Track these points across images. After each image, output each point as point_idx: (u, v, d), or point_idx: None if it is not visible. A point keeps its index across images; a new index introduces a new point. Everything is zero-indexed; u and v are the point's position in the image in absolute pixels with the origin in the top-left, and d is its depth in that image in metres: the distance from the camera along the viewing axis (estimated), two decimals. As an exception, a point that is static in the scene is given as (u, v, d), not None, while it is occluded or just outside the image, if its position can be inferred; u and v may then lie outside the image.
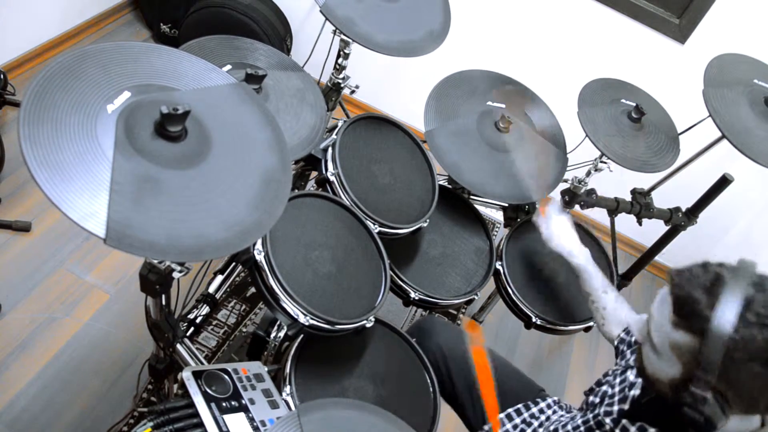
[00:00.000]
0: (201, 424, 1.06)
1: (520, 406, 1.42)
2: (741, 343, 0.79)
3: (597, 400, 1.17)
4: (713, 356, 0.80)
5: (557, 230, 1.57)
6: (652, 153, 1.71)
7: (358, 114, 1.63)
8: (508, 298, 1.68)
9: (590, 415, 1.14)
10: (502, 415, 1.41)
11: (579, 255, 1.51)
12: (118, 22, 2.88)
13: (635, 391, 1.08)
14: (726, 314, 0.80)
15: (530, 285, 1.69)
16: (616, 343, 1.35)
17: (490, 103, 1.74)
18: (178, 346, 1.32)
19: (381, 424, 0.96)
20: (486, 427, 1.40)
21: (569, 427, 1.18)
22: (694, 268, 0.87)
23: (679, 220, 1.95)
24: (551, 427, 1.26)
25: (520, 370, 1.54)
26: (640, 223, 1.86)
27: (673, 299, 0.86)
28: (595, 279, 1.46)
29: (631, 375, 1.13)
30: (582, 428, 1.14)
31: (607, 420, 1.07)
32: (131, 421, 1.71)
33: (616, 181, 1.85)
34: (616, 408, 1.09)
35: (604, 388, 1.17)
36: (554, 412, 1.41)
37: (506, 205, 1.88)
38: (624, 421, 1.02)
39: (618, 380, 1.15)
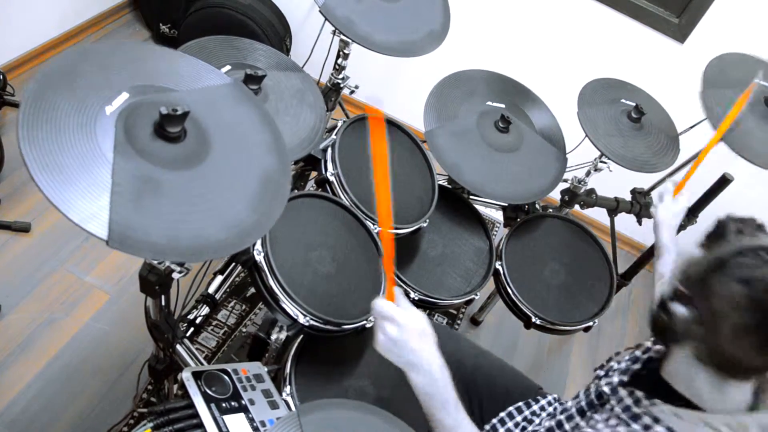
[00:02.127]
0: (201, 425, 1.06)
1: (520, 404, 1.42)
2: (741, 264, 0.83)
3: (602, 373, 1.18)
4: (709, 264, 0.85)
5: (666, 217, 1.49)
6: (652, 153, 1.71)
7: (358, 114, 1.63)
8: (507, 298, 1.68)
9: (593, 388, 1.15)
10: (502, 414, 1.41)
11: (665, 239, 1.46)
12: (118, 22, 2.87)
13: (637, 366, 1.10)
14: (743, 240, 0.86)
15: (530, 285, 1.69)
16: None
17: (490, 103, 1.74)
18: (178, 346, 1.33)
19: (381, 424, 0.96)
20: (487, 427, 1.40)
21: (570, 403, 1.19)
22: (746, 218, 0.93)
23: (679, 220, 1.95)
24: (554, 420, 1.27)
25: (517, 370, 1.54)
26: (640, 223, 1.86)
27: (713, 227, 0.93)
28: (663, 263, 1.42)
29: (638, 352, 1.14)
30: (584, 401, 1.15)
31: (606, 389, 1.09)
32: (131, 422, 1.71)
33: (616, 181, 1.85)
34: (616, 379, 1.10)
35: (612, 363, 1.19)
36: (555, 408, 1.41)
37: (506, 205, 1.88)
38: (619, 388, 1.04)
39: (627, 356, 1.16)
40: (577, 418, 1.14)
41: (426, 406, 1.04)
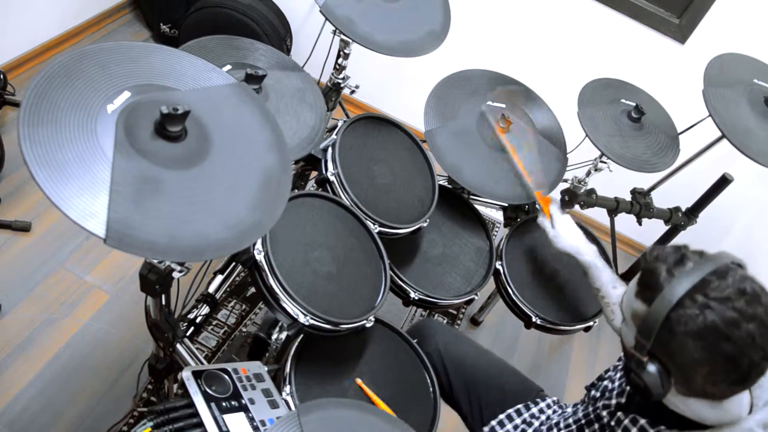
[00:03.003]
0: (201, 424, 1.06)
1: (520, 406, 1.42)
2: (683, 318, 0.83)
3: (597, 394, 1.18)
4: (652, 323, 0.86)
5: (563, 230, 1.57)
6: (652, 153, 1.71)
7: (358, 114, 1.63)
8: (508, 297, 1.68)
9: (590, 409, 1.15)
10: (502, 416, 1.41)
11: (587, 252, 1.52)
12: (118, 22, 2.88)
13: None
14: (675, 289, 0.85)
15: (530, 285, 1.69)
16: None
17: (490, 103, 1.74)
18: (178, 346, 1.32)
19: (381, 424, 0.96)
20: (486, 429, 1.40)
21: (570, 420, 1.19)
22: (668, 247, 0.92)
23: (679, 220, 1.95)
24: (553, 421, 1.27)
25: (518, 371, 1.54)
26: (640, 223, 1.85)
27: (641, 271, 0.92)
28: (604, 274, 1.47)
29: None
30: (583, 421, 1.15)
31: (604, 413, 1.09)
32: (131, 421, 1.71)
33: (616, 181, 1.85)
34: (614, 401, 1.10)
35: (605, 383, 1.19)
36: (554, 411, 1.41)
37: (506, 205, 1.87)
38: (619, 413, 1.05)
39: (618, 375, 1.16)
40: None
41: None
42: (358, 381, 1.33)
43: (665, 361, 0.87)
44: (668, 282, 0.86)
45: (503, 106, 1.74)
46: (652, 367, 0.88)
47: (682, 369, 0.86)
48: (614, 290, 1.45)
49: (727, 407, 0.92)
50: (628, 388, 1.10)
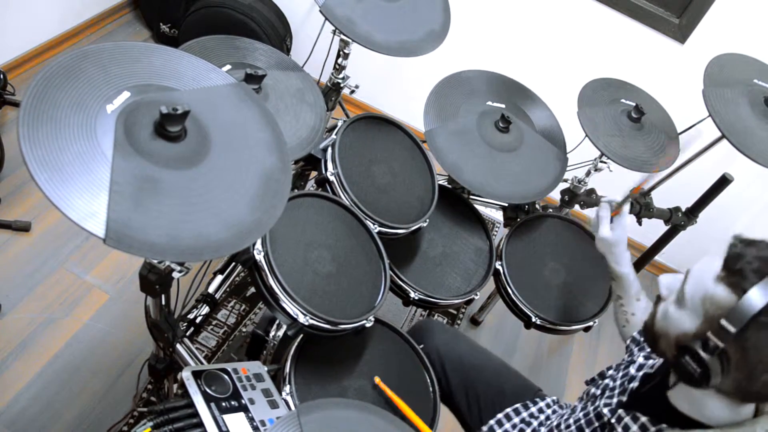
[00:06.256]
0: (201, 424, 1.06)
1: (518, 405, 1.42)
2: None
3: (598, 392, 1.18)
4: (744, 313, 0.82)
5: (620, 233, 1.45)
6: (652, 153, 1.71)
7: (358, 114, 1.63)
8: (507, 298, 1.68)
9: (590, 407, 1.15)
10: (500, 416, 1.41)
11: (625, 263, 1.44)
12: (118, 22, 2.88)
13: (634, 384, 1.10)
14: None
15: (530, 285, 1.69)
16: (627, 342, 1.36)
17: (490, 103, 1.74)
18: (178, 346, 1.32)
19: (381, 424, 0.96)
20: (484, 428, 1.40)
21: (570, 420, 1.19)
22: (759, 241, 0.90)
23: (679, 220, 1.95)
24: (554, 423, 1.27)
25: (517, 371, 1.54)
26: (640, 223, 1.86)
27: (728, 256, 0.89)
28: (633, 286, 1.42)
29: (632, 369, 1.14)
30: (582, 420, 1.15)
31: (605, 411, 1.09)
32: (131, 421, 1.71)
33: (616, 181, 1.85)
34: (615, 400, 1.10)
35: (607, 381, 1.18)
36: (553, 411, 1.41)
37: (506, 205, 1.87)
38: (620, 411, 1.04)
39: (620, 374, 1.16)
40: None
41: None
42: (377, 380, 1.31)
43: (734, 354, 0.84)
44: (763, 275, 0.83)
45: (503, 106, 1.74)
46: (714, 358, 0.85)
47: (751, 365, 0.84)
48: (637, 302, 1.41)
49: (740, 411, 0.91)
50: (629, 386, 1.10)
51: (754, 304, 0.82)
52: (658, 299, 1.01)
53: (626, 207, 1.48)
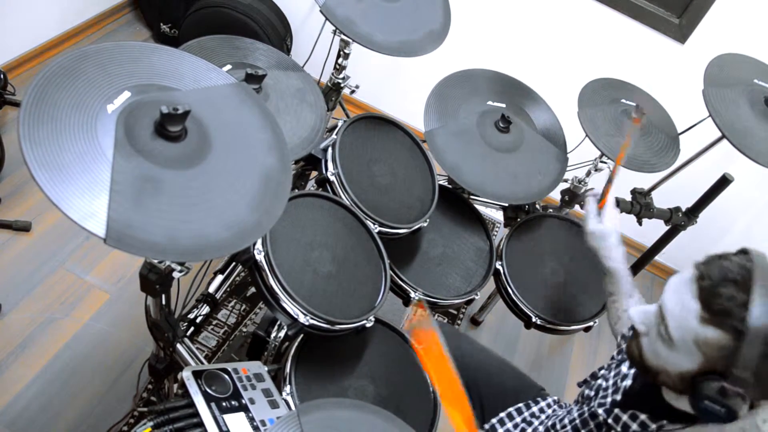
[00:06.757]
0: (201, 424, 1.06)
1: (520, 405, 1.42)
2: None
3: (592, 393, 1.18)
4: (752, 355, 0.81)
5: (608, 226, 1.44)
6: (652, 153, 1.71)
7: (358, 114, 1.63)
8: (508, 298, 1.68)
9: (585, 408, 1.15)
10: (502, 415, 1.41)
11: (617, 259, 1.42)
12: (118, 22, 2.88)
13: (627, 382, 1.10)
14: (762, 313, 0.80)
15: (530, 285, 1.69)
16: (619, 339, 1.35)
17: (490, 102, 1.74)
18: (178, 345, 1.32)
19: (381, 424, 0.96)
20: (486, 427, 1.40)
21: (566, 420, 1.19)
22: (721, 261, 0.87)
23: (679, 220, 1.95)
24: (549, 423, 1.27)
25: (519, 370, 1.54)
26: (640, 223, 1.86)
27: (702, 294, 0.86)
28: (624, 282, 1.40)
29: (624, 367, 1.14)
30: (578, 420, 1.15)
31: (600, 411, 1.09)
32: (131, 421, 1.71)
33: (616, 181, 1.85)
34: (609, 399, 1.10)
35: (599, 381, 1.18)
36: (554, 411, 1.41)
37: (506, 205, 1.87)
38: (616, 410, 1.04)
39: (612, 373, 1.16)
40: None
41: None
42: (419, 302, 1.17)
43: (750, 384, 0.83)
44: (747, 307, 0.81)
45: (504, 105, 1.74)
46: (729, 390, 0.84)
47: (765, 392, 0.85)
48: (630, 299, 1.39)
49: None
50: (623, 384, 1.10)
51: (757, 344, 0.81)
52: (636, 333, 1.00)
53: (611, 198, 1.47)
